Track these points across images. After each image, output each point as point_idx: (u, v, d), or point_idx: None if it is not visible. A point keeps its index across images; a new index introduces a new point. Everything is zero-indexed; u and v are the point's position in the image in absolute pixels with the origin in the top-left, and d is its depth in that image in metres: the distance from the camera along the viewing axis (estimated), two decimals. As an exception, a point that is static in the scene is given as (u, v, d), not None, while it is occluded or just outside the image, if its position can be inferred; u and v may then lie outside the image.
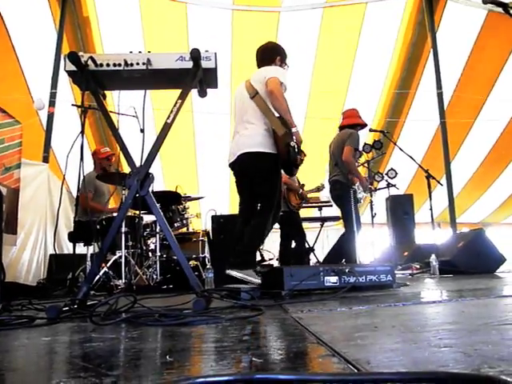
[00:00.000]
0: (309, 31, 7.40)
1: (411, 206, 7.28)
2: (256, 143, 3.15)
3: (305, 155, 6.19)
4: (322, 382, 0.70)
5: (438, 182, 5.72)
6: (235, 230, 3.34)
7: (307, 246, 6.25)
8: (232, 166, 3.36)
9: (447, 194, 7.10)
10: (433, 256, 4.70)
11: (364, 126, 5.15)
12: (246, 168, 3.24)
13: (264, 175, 3.17)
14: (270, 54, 3.44)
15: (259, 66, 3.46)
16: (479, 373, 0.68)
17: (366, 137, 6.80)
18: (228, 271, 3.03)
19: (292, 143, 3.07)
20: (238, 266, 3.02)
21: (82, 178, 2.43)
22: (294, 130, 3.15)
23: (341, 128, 5.08)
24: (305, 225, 6.11)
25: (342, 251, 4.84)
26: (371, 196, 5.57)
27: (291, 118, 3.16)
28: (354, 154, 4.78)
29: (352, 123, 5.02)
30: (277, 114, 3.18)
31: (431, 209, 5.40)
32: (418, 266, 5.35)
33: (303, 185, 6.04)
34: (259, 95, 3.20)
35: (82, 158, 2.41)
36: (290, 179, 5.77)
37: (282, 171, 3.37)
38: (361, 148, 5.87)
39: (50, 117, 6.35)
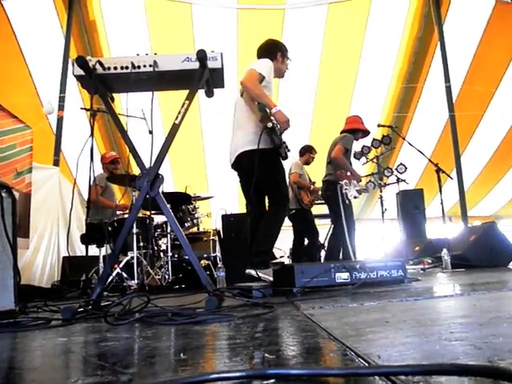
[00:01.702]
0: (314, 28, 7.39)
1: (422, 200, 7.24)
2: (249, 141, 3.15)
3: (315, 152, 6.20)
4: (334, 376, 0.71)
5: (449, 176, 5.68)
6: (246, 230, 3.35)
7: (319, 243, 6.27)
8: (233, 166, 3.38)
9: (458, 188, 7.06)
10: (444, 250, 4.68)
11: (366, 133, 5.22)
12: (244, 167, 3.25)
13: (263, 171, 3.10)
14: (271, 52, 3.42)
15: None
16: (488, 364, 0.69)
17: (374, 132, 6.78)
18: (248, 271, 3.03)
19: (269, 124, 2.97)
20: (258, 266, 3.03)
21: (92, 178, 2.46)
22: (273, 110, 3.05)
23: (342, 132, 5.15)
24: (316, 222, 6.12)
25: (333, 249, 4.93)
26: (369, 191, 5.59)
27: (269, 100, 3.09)
28: (344, 152, 4.87)
29: (353, 128, 5.13)
30: None
31: (442, 203, 5.36)
32: (429, 261, 5.34)
33: (314, 182, 6.06)
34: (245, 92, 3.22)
35: (92, 160, 2.44)
36: (300, 177, 5.81)
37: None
38: (369, 143, 5.87)
39: (60, 121, 6.41)
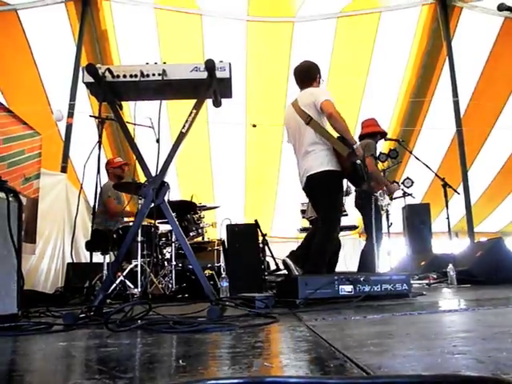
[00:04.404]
0: (323, 41, 7.41)
1: (428, 215, 7.18)
2: (318, 164, 3.35)
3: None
4: (333, 385, 0.70)
5: (455, 191, 5.64)
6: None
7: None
8: (305, 187, 3.57)
9: (464, 203, 7.00)
10: (450, 266, 4.62)
11: (384, 134, 5.22)
12: (312, 189, 3.46)
13: (324, 191, 3.34)
14: (311, 74, 3.66)
15: (301, 86, 3.66)
16: (490, 376, 0.68)
17: (381, 146, 6.77)
18: (285, 258, 3.30)
19: (358, 161, 3.26)
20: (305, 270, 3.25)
21: (98, 186, 2.48)
22: (355, 146, 3.29)
23: (360, 137, 5.14)
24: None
25: (362, 264, 4.86)
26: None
27: (351, 136, 3.33)
28: (375, 162, 4.91)
29: (371, 131, 5.11)
30: (336, 134, 3.36)
31: (448, 218, 5.32)
32: (435, 276, 5.27)
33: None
34: (314, 120, 3.38)
35: (98, 167, 2.46)
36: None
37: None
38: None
39: (69, 128, 6.47)
